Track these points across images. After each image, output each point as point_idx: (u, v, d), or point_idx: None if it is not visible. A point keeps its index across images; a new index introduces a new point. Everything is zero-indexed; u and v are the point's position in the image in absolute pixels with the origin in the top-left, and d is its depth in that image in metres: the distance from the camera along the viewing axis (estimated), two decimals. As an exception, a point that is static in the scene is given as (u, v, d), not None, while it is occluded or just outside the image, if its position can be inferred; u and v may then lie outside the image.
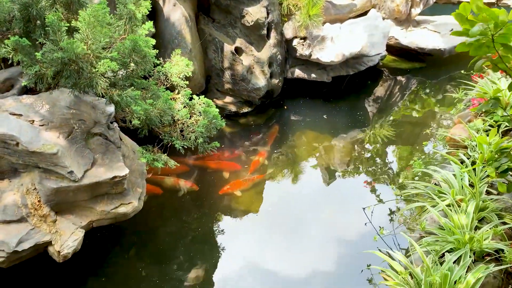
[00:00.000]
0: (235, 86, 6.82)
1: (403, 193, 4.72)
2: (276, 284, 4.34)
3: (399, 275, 3.15)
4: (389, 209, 4.93)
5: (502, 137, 4.00)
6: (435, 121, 7.08)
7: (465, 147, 4.66)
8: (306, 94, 7.74)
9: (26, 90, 4.10)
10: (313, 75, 7.49)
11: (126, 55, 3.86)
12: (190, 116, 4.56)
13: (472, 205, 3.62)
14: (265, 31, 6.81)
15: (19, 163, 3.67)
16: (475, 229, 3.54)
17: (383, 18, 8.03)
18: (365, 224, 4.73)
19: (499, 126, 4.59)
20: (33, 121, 3.71)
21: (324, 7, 7.19)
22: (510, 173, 3.18)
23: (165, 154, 4.37)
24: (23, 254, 3.57)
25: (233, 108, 6.99)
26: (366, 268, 4.17)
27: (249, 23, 6.59)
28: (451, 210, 3.69)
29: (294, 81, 7.68)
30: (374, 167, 6.04)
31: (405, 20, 8.70)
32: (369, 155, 6.34)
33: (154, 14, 6.18)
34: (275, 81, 7.16)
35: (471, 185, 4.00)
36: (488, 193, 3.98)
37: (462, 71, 6.18)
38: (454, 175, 4.18)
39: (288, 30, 7.26)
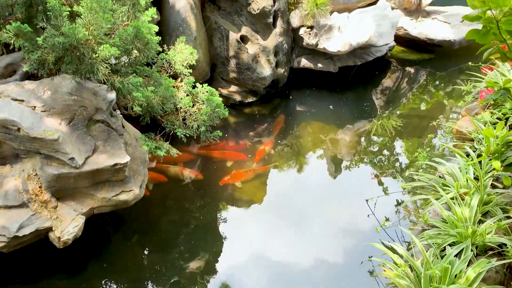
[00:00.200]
0: (240, 75, 6.76)
1: (407, 185, 4.66)
2: (276, 273, 4.33)
3: (399, 267, 3.12)
4: (397, 200, 4.89)
5: (510, 130, 3.92)
6: (443, 114, 6.97)
7: (472, 140, 4.58)
8: (312, 84, 7.66)
9: (28, 76, 4.09)
10: (319, 65, 7.40)
11: (128, 42, 3.83)
12: (193, 105, 4.53)
13: (476, 199, 3.56)
14: (271, 20, 6.72)
15: (21, 149, 3.68)
16: (479, 223, 3.48)
17: (392, 8, 7.89)
18: (368, 216, 4.69)
19: (507, 119, 4.50)
20: (35, 107, 3.71)
21: (333, -4, 7.10)
22: (516, 166, 3.11)
23: (167, 142, 4.35)
24: (24, 239, 3.59)
25: (238, 98, 6.94)
26: (367, 259, 4.14)
27: (255, 11, 6.51)
28: (454, 203, 3.64)
29: (300, 71, 7.59)
30: (379, 159, 5.98)
31: (415, 10, 8.54)
32: (375, 146, 6.27)
33: (159, 1, 6.13)
34: (280, 70, 7.09)
35: (476, 179, 3.93)
36: (493, 186, 3.91)
37: (470, 63, 6.07)
38: (459, 168, 4.11)
39: (295, 19, 7.16)
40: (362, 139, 6.45)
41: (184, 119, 4.46)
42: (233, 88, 6.95)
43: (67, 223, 3.71)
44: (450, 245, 3.29)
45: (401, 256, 3.37)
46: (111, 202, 3.96)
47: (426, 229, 3.64)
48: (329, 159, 6.08)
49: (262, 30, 6.77)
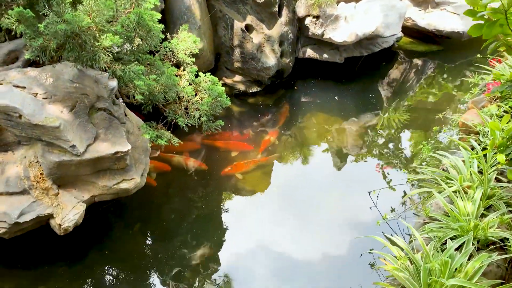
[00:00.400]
0: (244, 65, 6.71)
1: (411, 178, 4.62)
2: (277, 263, 4.33)
3: (398, 260, 3.09)
4: (403, 191, 4.85)
5: (515, 123, 3.84)
6: (450, 106, 6.89)
7: (477, 133, 4.52)
8: (317, 75, 7.59)
9: (30, 63, 4.08)
10: (325, 55, 7.33)
11: (130, 29, 3.80)
12: (196, 94, 4.49)
13: (479, 192, 3.51)
14: (276, 8, 6.65)
15: (22, 136, 3.68)
16: (481, 217, 3.44)
17: (401, -2, 7.77)
18: (370, 208, 4.66)
19: (514, 112, 4.42)
20: (37, 94, 3.70)
21: (340, -15, 7.01)
22: (521, 160, 3.05)
23: (169, 131, 4.33)
24: (25, 226, 3.61)
25: (242, 87, 6.90)
26: (368, 252, 4.12)
27: None
28: (457, 196, 3.59)
29: (305, 61, 7.53)
30: (384, 151, 5.93)
31: (423, 1, 8.40)
32: (380, 139, 6.22)
33: (164, -11, 6.08)
34: (285, 60, 7.03)
35: (480, 172, 3.88)
36: (497, 180, 3.85)
37: (479, 55, 5.96)
38: (463, 161, 4.06)
39: (301, 8, 7.08)
40: (368, 131, 6.39)
41: (186, 108, 4.43)
42: (238, 77, 6.91)
43: (68, 210, 3.72)
44: (451, 238, 3.26)
45: (402, 249, 3.34)
46: (112, 190, 3.97)
47: (427, 222, 3.60)
48: (334, 151, 6.04)
49: (267, 19, 6.70)
